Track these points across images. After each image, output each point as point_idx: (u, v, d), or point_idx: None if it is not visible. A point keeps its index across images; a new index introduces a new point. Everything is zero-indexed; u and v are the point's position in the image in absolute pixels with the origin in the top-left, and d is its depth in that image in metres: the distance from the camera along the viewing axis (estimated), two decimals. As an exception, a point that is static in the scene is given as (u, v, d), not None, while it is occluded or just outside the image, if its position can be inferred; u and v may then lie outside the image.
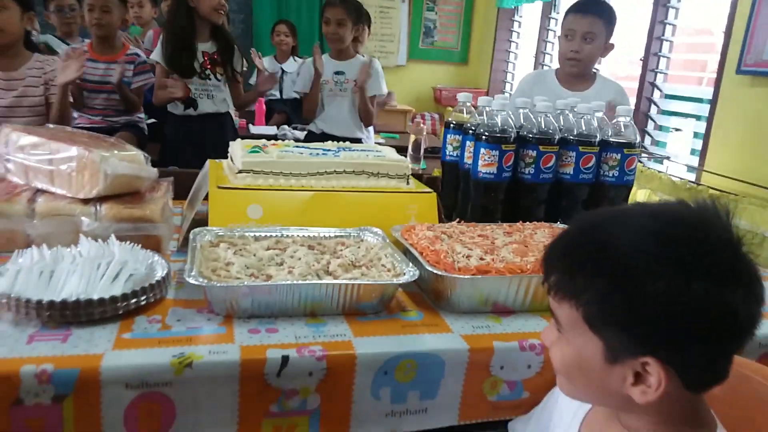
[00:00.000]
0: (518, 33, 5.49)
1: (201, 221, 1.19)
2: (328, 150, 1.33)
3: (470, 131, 1.41)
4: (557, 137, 1.38)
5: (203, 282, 0.90)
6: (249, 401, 0.84)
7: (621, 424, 0.77)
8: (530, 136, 1.37)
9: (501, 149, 1.33)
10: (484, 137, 1.34)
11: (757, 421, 0.81)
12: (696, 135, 3.41)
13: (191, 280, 0.90)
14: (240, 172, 1.21)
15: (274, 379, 0.84)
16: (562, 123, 1.43)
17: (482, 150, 1.34)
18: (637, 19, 3.89)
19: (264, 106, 3.61)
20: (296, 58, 4.22)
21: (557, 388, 0.92)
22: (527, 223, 1.28)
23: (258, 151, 1.25)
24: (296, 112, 3.82)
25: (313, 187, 1.23)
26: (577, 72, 2.18)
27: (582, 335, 0.69)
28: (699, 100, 3.48)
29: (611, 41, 2.18)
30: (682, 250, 0.63)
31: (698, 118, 3.45)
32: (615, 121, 1.43)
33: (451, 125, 1.51)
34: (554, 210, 1.43)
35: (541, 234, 1.20)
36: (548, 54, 4.91)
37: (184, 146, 2.57)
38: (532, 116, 1.41)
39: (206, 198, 1.23)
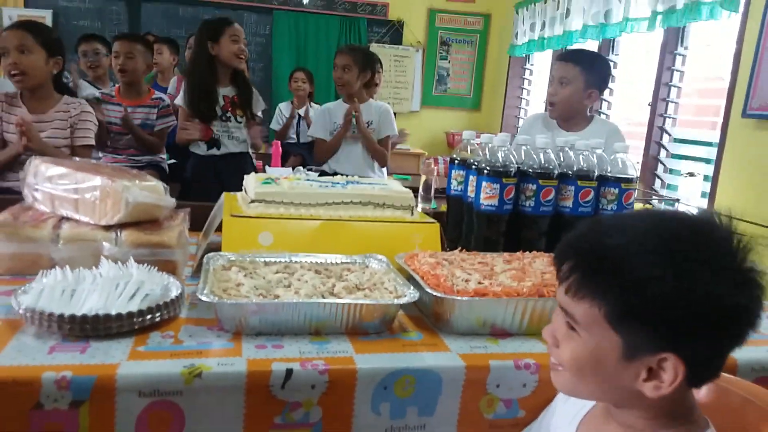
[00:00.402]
0: (529, 80, 5.63)
1: (214, 249, 1.26)
2: (337, 183, 1.40)
3: (473, 166, 1.48)
4: (556, 172, 1.44)
5: (214, 299, 0.96)
6: (255, 413, 0.88)
7: (617, 423, 0.80)
8: (530, 170, 1.43)
9: (502, 182, 1.39)
10: (485, 171, 1.40)
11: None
12: (706, 178, 3.46)
13: (203, 298, 0.96)
14: (253, 201, 1.28)
15: (279, 391, 0.88)
16: (562, 159, 1.49)
17: (484, 183, 1.40)
18: (647, 65, 3.99)
19: (281, 149, 3.73)
20: (312, 104, 4.36)
21: (551, 405, 0.96)
22: (527, 252, 1.32)
23: (270, 183, 1.32)
24: (312, 155, 3.93)
25: (321, 217, 1.29)
26: (557, 115, 2.32)
27: (600, 333, 0.72)
28: (708, 144, 3.54)
29: (596, 89, 2.29)
30: (694, 250, 0.69)
31: (708, 161, 3.50)
32: (613, 157, 1.49)
33: (456, 161, 1.58)
34: (555, 242, 1.46)
35: (540, 263, 1.24)
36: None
37: (206, 184, 2.66)
38: (532, 152, 1.47)
39: (219, 228, 1.30)
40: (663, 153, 3.88)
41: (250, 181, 1.36)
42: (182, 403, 0.85)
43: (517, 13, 5.28)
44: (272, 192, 1.29)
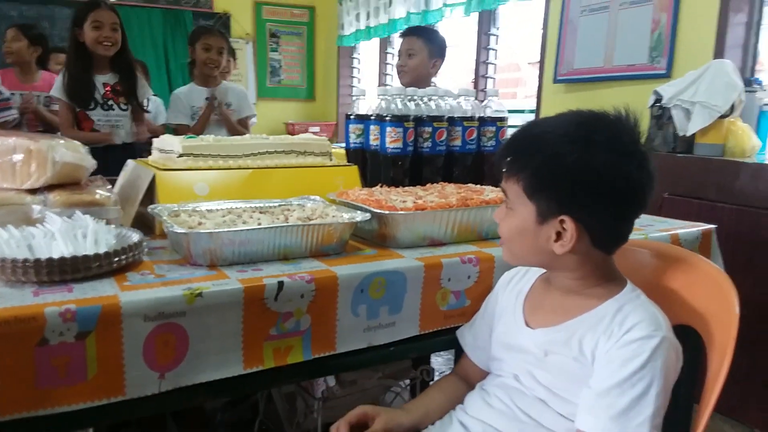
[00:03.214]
0: (359, 69, 5.90)
1: (140, 218, 1.26)
2: (255, 137, 1.46)
3: (371, 117, 1.62)
4: (446, 116, 1.63)
5: (189, 230, 0.99)
6: (252, 326, 0.94)
7: (556, 289, 1.00)
8: (425, 115, 1.60)
9: (404, 126, 1.55)
10: (387, 118, 1.56)
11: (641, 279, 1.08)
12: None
13: (178, 230, 0.99)
14: (181, 156, 1.29)
15: (273, 303, 0.95)
16: (443, 107, 1.69)
17: (388, 129, 1.55)
18: (467, 46, 4.44)
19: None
20: (150, 96, 4.18)
21: (492, 296, 1.14)
22: (435, 184, 1.50)
23: (193, 138, 1.35)
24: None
25: (249, 166, 1.35)
26: (407, 82, 2.63)
27: (522, 204, 0.93)
28: (522, 111, 4.10)
29: (439, 58, 2.63)
30: (591, 132, 0.89)
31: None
32: (485, 102, 1.73)
33: (352, 117, 1.71)
34: (449, 178, 1.67)
35: (450, 188, 1.43)
36: (389, 85, 5.35)
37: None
38: (421, 102, 1.65)
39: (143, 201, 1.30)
40: (489, 123, 4.34)
41: (170, 139, 1.36)
42: (185, 323, 0.89)
43: (341, 4, 5.50)
44: (200, 145, 1.31)
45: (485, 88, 4.35)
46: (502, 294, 1.11)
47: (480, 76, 4.37)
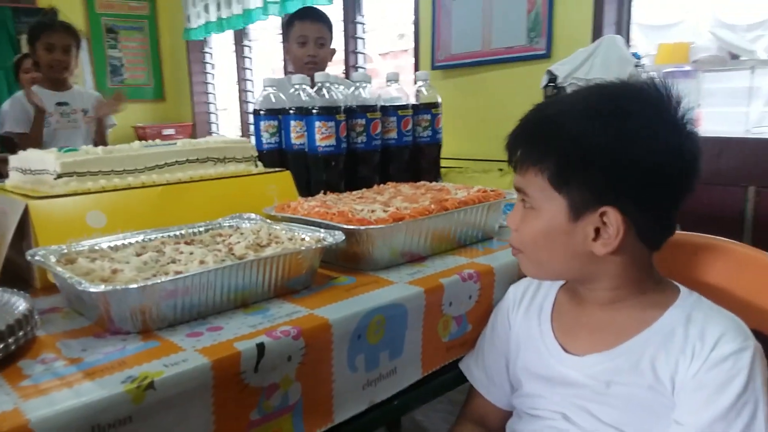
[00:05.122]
0: (212, 64, 5.43)
1: (13, 262, 0.89)
2: (158, 143, 1.12)
3: (291, 111, 1.35)
4: (378, 105, 1.40)
5: (108, 288, 0.67)
6: (226, 415, 0.65)
7: (587, 303, 0.82)
8: (356, 105, 1.36)
9: (336, 120, 1.30)
10: (315, 111, 1.29)
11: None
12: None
13: (91, 289, 0.66)
14: (60, 176, 0.93)
15: (252, 377, 0.67)
16: (365, 95, 1.45)
17: (317, 123, 1.29)
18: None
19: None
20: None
21: (500, 313, 0.93)
22: (382, 185, 1.26)
23: (75, 150, 0.99)
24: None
25: (156, 183, 1.02)
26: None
27: (548, 199, 0.75)
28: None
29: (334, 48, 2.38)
30: (624, 101, 0.73)
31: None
32: (415, 87, 1.52)
33: (261, 112, 1.41)
34: (385, 177, 1.44)
35: (405, 189, 1.20)
36: (249, 80, 4.97)
37: None
38: (335, 89, 1.40)
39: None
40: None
41: (40, 155, 0.99)
42: (134, 434, 0.58)
43: (186, -6, 5.01)
44: (85, 161, 0.96)
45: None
46: (514, 314, 0.91)
47: (350, 67, 4.17)
